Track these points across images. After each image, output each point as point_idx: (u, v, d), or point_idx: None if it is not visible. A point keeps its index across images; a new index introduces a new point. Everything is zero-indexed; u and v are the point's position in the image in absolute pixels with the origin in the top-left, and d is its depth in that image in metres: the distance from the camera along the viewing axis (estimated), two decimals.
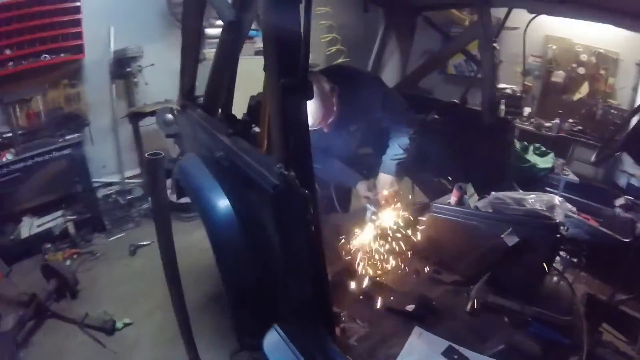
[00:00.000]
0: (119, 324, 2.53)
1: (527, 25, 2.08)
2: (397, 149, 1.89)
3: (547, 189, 3.42)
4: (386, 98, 1.94)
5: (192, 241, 3.10)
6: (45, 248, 3.19)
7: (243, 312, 1.39)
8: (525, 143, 3.34)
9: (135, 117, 3.80)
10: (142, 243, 3.39)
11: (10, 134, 3.12)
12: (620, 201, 2.66)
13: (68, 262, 3.12)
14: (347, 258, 1.65)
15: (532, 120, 4.56)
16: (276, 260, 1.17)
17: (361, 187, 1.93)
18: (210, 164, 1.69)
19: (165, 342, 2.38)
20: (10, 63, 3.16)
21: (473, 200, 1.79)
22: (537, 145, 3.32)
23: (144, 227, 3.73)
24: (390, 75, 3.02)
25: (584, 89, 4.19)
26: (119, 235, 3.60)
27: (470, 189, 1.83)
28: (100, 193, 3.97)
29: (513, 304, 1.51)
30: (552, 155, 3.22)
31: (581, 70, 4.18)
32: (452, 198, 1.80)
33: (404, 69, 2.99)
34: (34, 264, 3.01)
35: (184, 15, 2.09)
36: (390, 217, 1.78)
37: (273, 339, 1.22)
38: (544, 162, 3.14)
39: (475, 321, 1.52)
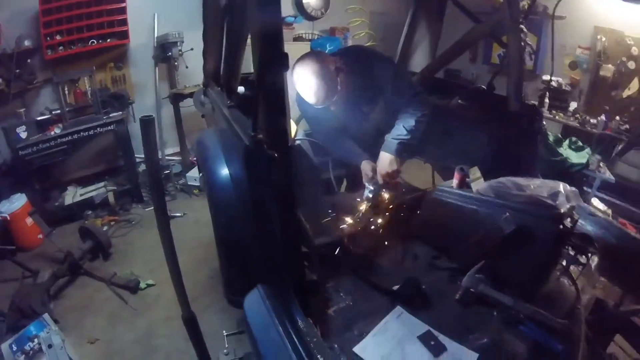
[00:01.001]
0: (142, 284, 2.76)
1: (555, 7, 1.94)
2: (401, 129, 1.88)
3: (584, 188, 3.22)
4: (395, 78, 1.92)
5: None
6: (86, 214, 3.52)
7: (232, 271, 1.48)
8: (560, 135, 3.13)
9: (176, 98, 4.03)
10: (175, 214, 3.61)
11: (59, 111, 3.43)
12: None
13: (105, 228, 3.41)
14: (338, 232, 1.67)
15: (577, 115, 4.25)
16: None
17: (365, 166, 1.94)
18: (221, 137, 1.79)
19: None
20: (61, 47, 3.50)
21: (477, 184, 1.73)
22: (574, 139, 3.11)
23: (179, 201, 3.98)
24: (419, 60, 2.97)
25: (634, 86, 3.82)
26: None
27: (475, 173, 1.77)
28: (141, 167, 4.23)
29: (505, 298, 1.42)
30: (588, 150, 3.00)
31: (632, 65, 3.80)
32: (454, 181, 1.75)
33: (433, 54, 2.92)
34: (74, 228, 3.31)
35: (204, 1, 2.18)
36: (388, 197, 1.77)
37: (254, 298, 1.29)
38: (578, 157, 2.94)
39: (463, 311, 1.46)
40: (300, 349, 1.04)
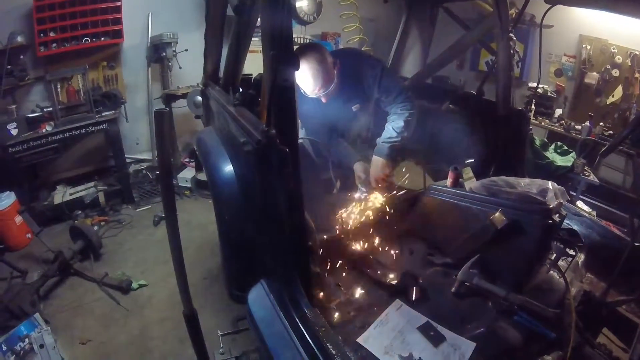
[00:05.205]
0: (134, 285, 2.73)
1: (543, 17, 2.02)
2: (391, 131, 1.93)
3: (570, 191, 3.33)
4: (382, 77, 1.99)
5: (212, 218, 3.27)
6: (75, 214, 3.46)
7: (235, 266, 1.50)
8: (546, 140, 3.24)
9: (169, 98, 4.01)
10: None
11: (50, 108, 3.38)
12: None
13: (95, 228, 3.35)
14: (338, 229, 1.72)
15: (562, 121, 4.40)
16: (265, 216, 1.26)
17: (358, 167, 1.99)
18: (223, 135, 1.81)
19: (174, 304, 2.52)
20: (54, 45, 3.46)
21: (470, 182, 1.80)
22: (560, 143, 3.23)
23: None
24: (411, 66, 3.05)
25: (618, 93, 4.00)
26: (146, 207, 3.82)
27: (468, 172, 1.84)
28: (132, 168, 4.25)
29: (499, 290, 1.49)
30: (573, 154, 3.11)
31: (615, 73, 3.99)
32: (448, 180, 1.82)
33: (424, 60, 3.00)
34: (63, 228, 3.26)
35: (207, 1, 2.21)
36: (381, 198, 1.82)
37: (258, 293, 1.32)
38: (564, 161, 3.05)
39: (459, 303, 1.53)
40: (309, 338, 1.08)
